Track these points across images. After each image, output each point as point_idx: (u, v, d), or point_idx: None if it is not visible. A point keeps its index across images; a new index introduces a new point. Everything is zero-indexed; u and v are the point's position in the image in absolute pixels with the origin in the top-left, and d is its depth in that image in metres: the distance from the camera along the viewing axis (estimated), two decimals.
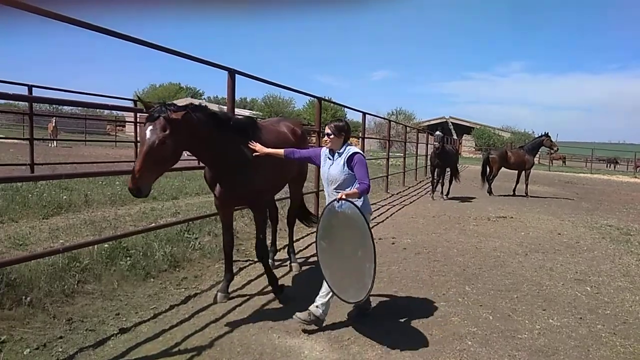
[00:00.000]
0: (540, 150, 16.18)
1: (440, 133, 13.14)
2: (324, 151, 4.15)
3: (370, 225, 3.77)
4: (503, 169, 15.41)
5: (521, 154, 15.28)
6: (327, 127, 4.05)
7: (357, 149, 4.02)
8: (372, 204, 11.42)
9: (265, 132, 4.68)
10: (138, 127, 13.71)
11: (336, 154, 4.03)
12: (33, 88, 9.45)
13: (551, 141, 15.49)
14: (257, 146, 4.28)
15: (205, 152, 4.10)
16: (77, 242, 5.51)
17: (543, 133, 15.67)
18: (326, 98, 9.16)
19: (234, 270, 5.20)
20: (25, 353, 3.39)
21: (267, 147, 4.35)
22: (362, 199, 3.93)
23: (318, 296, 4.04)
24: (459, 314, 4.58)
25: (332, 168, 4.02)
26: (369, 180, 3.89)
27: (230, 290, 4.81)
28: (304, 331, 3.98)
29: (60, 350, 3.48)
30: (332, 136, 4.01)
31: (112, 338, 3.73)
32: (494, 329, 4.27)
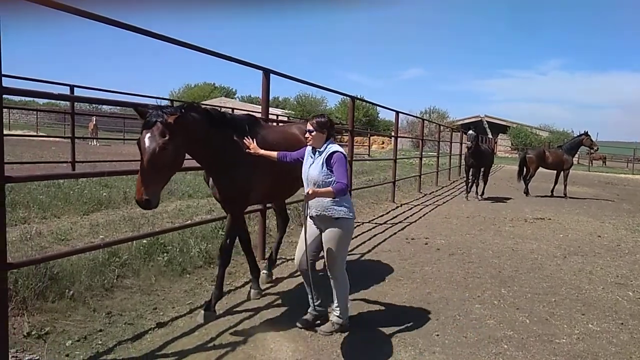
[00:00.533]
0: (579, 150, 15.71)
1: (473, 132, 12.92)
2: (308, 149, 3.94)
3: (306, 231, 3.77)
4: (540, 169, 15.02)
5: (559, 154, 14.86)
6: (308, 124, 3.86)
7: (338, 147, 3.79)
8: (405, 204, 11.44)
9: (269, 131, 4.53)
10: None
11: (317, 153, 3.82)
12: (75, 88, 9.77)
13: (591, 140, 15.01)
14: (252, 145, 4.10)
15: (202, 151, 3.91)
16: (117, 237, 5.68)
17: (582, 132, 15.20)
18: (359, 97, 9.11)
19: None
20: (67, 345, 3.51)
21: (271, 148, 4.21)
22: (342, 201, 3.75)
23: (334, 304, 3.98)
24: (495, 317, 4.49)
25: (312, 167, 3.81)
26: (347, 180, 3.67)
27: (263, 287, 4.87)
28: (338, 331, 3.98)
29: (100, 343, 3.59)
30: (313, 133, 3.79)
31: (150, 332, 3.83)
32: (531, 332, 4.18)
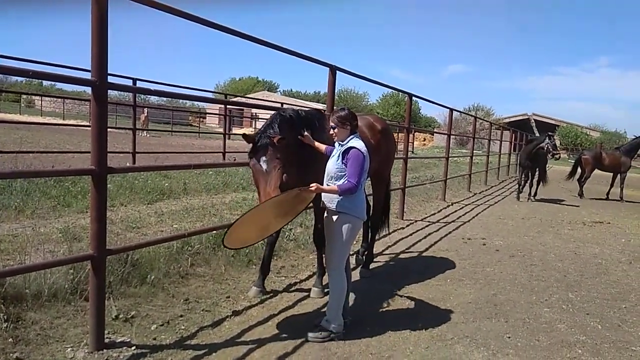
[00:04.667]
0: (639, 152, 15.13)
1: (549, 141, 12.56)
2: (336, 143, 3.82)
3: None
4: (596, 170, 14.56)
5: (617, 156, 14.37)
6: (330, 120, 3.77)
7: (357, 143, 3.65)
8: (455, 203, 11.31)
9: None
10: (219, 119, 14.17)
11: (339, 146, 3.74)
12: (137, 81, 10.09)
13: None
14: (305, 134, 4.08)
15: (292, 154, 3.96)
16: (185, 226, 5.91)
17: None
18: (416, 94, 9.08)
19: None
20: (152, 329, 3.68)
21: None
22: (349, 197, 3.61)
23: (327, 308, 3.84)
24: (565, 321, 4.42)
25: (330, 160, 3.78)
26: (357, 180, 3.53)
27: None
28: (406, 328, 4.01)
29: (182, 328, 3.75)
30: (336, 129, 3.69)
31: (227, 319, 3.97)
32: (604, 338, 4.10)
